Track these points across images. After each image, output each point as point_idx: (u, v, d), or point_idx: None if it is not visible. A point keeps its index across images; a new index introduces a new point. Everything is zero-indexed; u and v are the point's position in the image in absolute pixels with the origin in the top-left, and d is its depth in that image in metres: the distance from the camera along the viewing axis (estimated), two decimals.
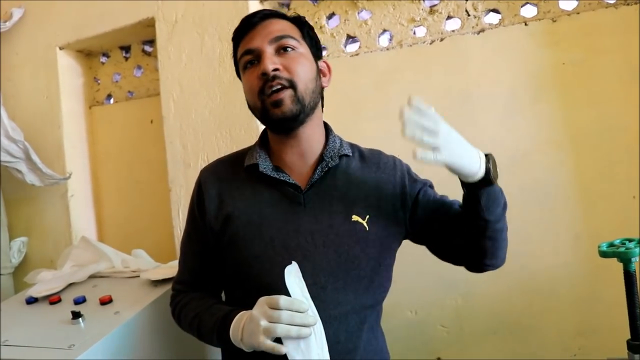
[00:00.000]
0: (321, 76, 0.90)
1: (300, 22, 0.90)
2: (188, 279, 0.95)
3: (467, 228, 0.84)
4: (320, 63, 0.92)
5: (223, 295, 0.97)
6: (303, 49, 0.87)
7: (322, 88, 0.91)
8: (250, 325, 0.73)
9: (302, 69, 0.84)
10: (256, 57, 0.84)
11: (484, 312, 1.39)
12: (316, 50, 0.92)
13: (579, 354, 1.32)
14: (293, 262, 0.76)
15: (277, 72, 0.81)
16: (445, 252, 0.92)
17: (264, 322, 0.69)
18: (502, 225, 0.84)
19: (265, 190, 0.87)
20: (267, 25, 0.85)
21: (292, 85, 0.81)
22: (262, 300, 0.73)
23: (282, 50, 0.84)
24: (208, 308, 0.86)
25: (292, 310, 0.70)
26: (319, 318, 0.73)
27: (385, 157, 0.96)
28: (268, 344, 0.69)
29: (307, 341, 0.70)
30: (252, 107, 0.88)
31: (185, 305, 0.91)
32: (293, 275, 0.74)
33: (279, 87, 0.81)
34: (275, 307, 0.70)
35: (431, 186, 0.95)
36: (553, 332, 1.34)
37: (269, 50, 0.83)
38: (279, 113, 0.81)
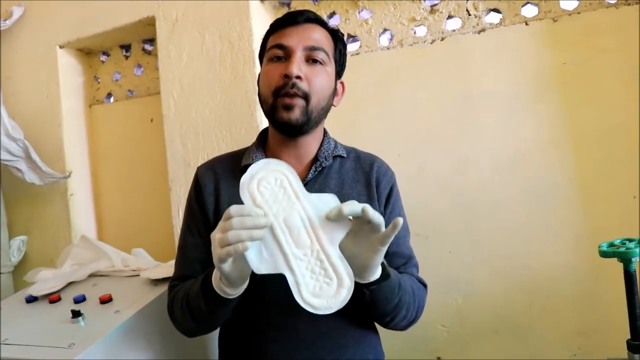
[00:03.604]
0: (334, 95, 0.93)
1: (336, 37, 0.92)
2: (186, 273, 0.92)
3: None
4: (338, 82, 0.94)
5: None
6: (330, 66, 0.89)
7: (331, 106, 0.92)
8: (213, 249, 0.69)
9: (321, 85, 0.86)
10: (286, 54, 0.85)
11: (485, 311, 1.40)
12: (340, 69, 0.94)
13: (579, 353, 1.32)
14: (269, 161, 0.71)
15: (298, 81, 0.83)
16: None
17: (218, 235, 0.65)
18: (393, 315, 0.83)
19: None
20: (307, 30, 0.87)
21: (306, 97, 0.84)
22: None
23: (311, 60, 0.86)
24: (195, 281, 0.83)
25: (243, 216, 0.64)
26: (274, 220, 0.67)
27: (381, 161, 0.98)
28: (223, 251, 0.63)
29: (270, 250, 0.66)
30: (262, 100, 0.89)
31: (177, 292, 0.88)
32: (253, 178, 0.69)
33: (294, 94, 0.83)
34: (227, 218, 0.65)
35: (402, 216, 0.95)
36: (553, 331, 1.34)
37: (300, 55, 0.85)
38: (286, 117, 0.84)
